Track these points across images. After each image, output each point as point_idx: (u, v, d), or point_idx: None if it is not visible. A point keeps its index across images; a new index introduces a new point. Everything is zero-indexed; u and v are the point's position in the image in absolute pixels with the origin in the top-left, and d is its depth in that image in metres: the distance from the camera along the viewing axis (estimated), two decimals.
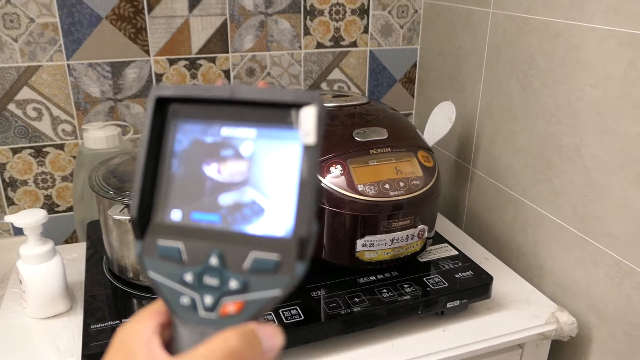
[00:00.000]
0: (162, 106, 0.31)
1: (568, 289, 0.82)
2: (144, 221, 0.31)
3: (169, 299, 0.29)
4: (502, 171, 0.94)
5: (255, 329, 0.28)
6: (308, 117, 0.28)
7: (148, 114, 0.30)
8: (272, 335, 0.29)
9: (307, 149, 0.28)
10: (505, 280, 0.86)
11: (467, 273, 0.78)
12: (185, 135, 0.31)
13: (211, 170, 0.30)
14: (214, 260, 0.29)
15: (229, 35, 1.02)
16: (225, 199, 0.30)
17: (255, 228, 0.29)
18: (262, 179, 0.29)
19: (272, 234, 0.29)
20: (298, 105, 0.29)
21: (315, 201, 0.28)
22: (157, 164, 0.31)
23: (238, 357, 0.27)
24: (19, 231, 1.02)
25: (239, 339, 0.27)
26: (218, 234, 0.30)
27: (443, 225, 1.03)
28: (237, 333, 0.28)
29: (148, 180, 0.30)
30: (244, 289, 0.29)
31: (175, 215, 0.30)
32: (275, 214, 0.29)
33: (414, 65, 1.17)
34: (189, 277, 0.29)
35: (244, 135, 0.30)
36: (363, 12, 1.09)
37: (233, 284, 0.29)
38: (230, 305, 0.29)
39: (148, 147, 0.30)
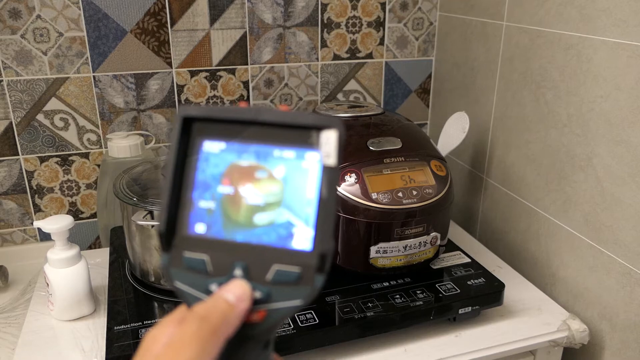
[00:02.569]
0: (188, 125, 0.33)
1: (580, 297, 0.83)
2: (170, 234, 0.32)
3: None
4: (516, 181, 0.96)
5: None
6: (329, 139, 0.30)
7: (175, 132, 0.32)
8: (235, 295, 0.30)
9: (327, 169, 0.30)
10: (517, 288, 0.87)
11: (479, 280, 0.80)
12: (208, 153, 0.32)
13: (227, 190, 0.32)
14: (238, 272, 0.31)
15: (248, 47, 1.05)
16: (248, 214, 0.31)
17: (276, 241, 0.31)
18: (282, 196, 0.31)
19: (293, 247, 0.31)
20: (318, 128, 0.30)
21: (334, 218, 0.30)
22: (182, 179, 0.33)
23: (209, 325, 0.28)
24: (44, 237, 1.05)
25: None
26: (241, 247, 0.31)
27: (457, 233, 1.05)
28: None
29: (175, 195, 0.32)
30: (266, 299, 0.30)
31: (200, 228, 0.32)
32: (296, 229, 0.31)
33: (429, 77, 1.19)
34: (214, 288, 0.31)
35: (265, 154, 0.32)
36: (379, 24, 1.11)
37: (257, 294, 0.30)
38: (253, 314, 0.30)
39: (175, 164, 0.32)
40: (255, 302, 0.30)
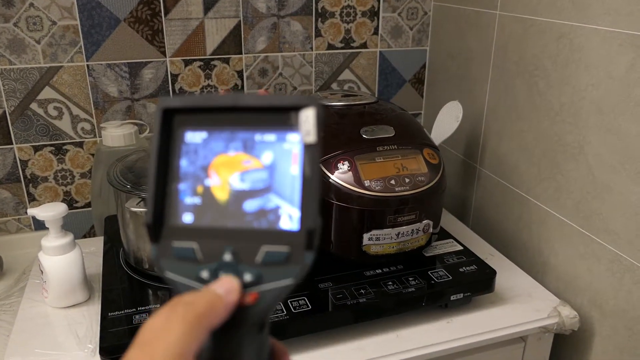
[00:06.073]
0: (169, 116, 0.33)
1: (571, 284, 0.84)
2: (158, 225, 0.33)
3: None
4: (508, 169, 0.96)
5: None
6: (308, 118, 0.31)
7: (156, 125, 0.32)
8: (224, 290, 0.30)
9: (308, 147, 0.31)
10: (509, 276, 0.87)
11: (471, 267, 0.80)
12: (191, 143, 0.33)
13: (214, 179, 0.32)
14: (227, 257, 0.31)
15: (242, 36, 1.05)
16: (234, 200, 0.32)
17: (264, 223, 0.31)
18: (267, 179, 0.31)
19: (280, 227, 0.31)
20: (297, 108, 0.31)
21: (319, 195, 0.31)
22: (167, 170, 0.33)
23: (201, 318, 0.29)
24: (39, 226, 1.05)
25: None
26: (228, 232, 0.31)
27: (450, 222, 1.05)
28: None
29: (160, 187, 0.32)
30: (258, 280, 0.31)
31: (187, 218, 0.32)
32: (283, 210, 0.31)
33: (423, 66, 1.19)
34: (205, 274, 0.31)
35: (247, 140, 0.32)
36: (373, 14, 1.12)
37: (247, 277, 0.31)
38: (246, 297, 0.31)
39: (158, 157, 0.32)
40: (247, 285, 0.31)
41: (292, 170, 0.31)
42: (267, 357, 0.33)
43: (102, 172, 0.94)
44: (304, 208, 0.31)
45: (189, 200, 0.32)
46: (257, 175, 0.31)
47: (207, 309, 0.29)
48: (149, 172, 0.32)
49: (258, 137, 0.32)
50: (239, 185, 0.32)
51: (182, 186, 0.33)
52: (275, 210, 0.31)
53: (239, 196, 0.32)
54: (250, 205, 0.31)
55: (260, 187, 0.31)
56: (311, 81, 1.12)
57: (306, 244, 0.30)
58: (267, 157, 0.32)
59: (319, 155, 0.31)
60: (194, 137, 0.33)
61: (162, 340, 0.27)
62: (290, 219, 0.31)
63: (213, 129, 0.32)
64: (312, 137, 0.30)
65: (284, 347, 0.34)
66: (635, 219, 0.71)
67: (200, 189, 0.32)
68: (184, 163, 0.33)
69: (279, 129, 0.31)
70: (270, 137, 0.32)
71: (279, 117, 0.31)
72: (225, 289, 0.30)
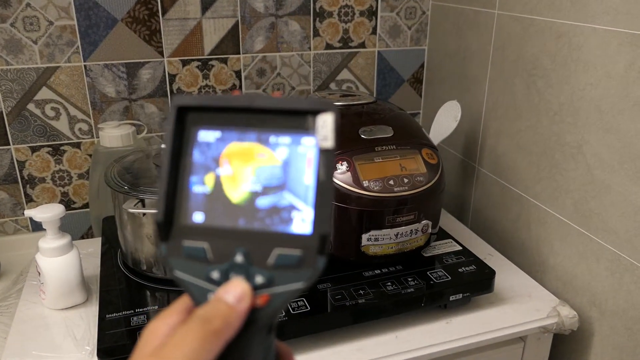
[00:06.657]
0: (183, 115, 0.33)
1: (570, 284, 0.84)
2: (168, 224, 0.32)
3: (196, 295, 0.31)
4: (507, 169, 0.96)
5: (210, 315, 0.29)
6: (326, 123, 0.30)
7: (170, 122, 0.32)
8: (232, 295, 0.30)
9: (323, 152, 0.30)
10: (508, 276, 0.87)
11: (470, 267, 0.80)
12: (204, 142, 0.32)
13: (225, 174, 0.32)
14: (239, 258, 0.31)
15: (240, 36, 1.05)
16: (246, 200, 0.32)
17: (277, 224, 0.31)
18: (278, 181, 0.31)
19: (293, 231, 0.31)
20: (314, 113, 0.31)
21: (332, 200, 0.31)
22: (179, 169, 0.32)
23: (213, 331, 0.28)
24: (36, 227, 1.05)
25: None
26: (240, 233, 0.31)
27: (449, 222, 1.05)
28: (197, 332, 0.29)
29: (172, 185, 0.32)
30: (269, 283, 0.30)
31: (198, 217, 0.32)
32: (296, 213, 0.31)
33: (422, 66, 1.19)
34: (215, 275, 0.31)
35: (261, 141, 0.32)
36: (371, 13, 1.11)
37: (259, 279, 0.30)
38: (256, 299, 0.30)
39: (171, 155, 0.32)
40: (258, 287, 0.31)
41: (306, 173, 0.31)
42: (274, 358, 0.32)
43: (99, 173, 0.93)
44: (318, 212, 0.30)
45: (201, 199, 0.32)
46: (271, 172, 0.31)
47: (223, 325, 0.29)
48: (161, 169, 0.32)
49: (272, 139, 0.31)
50: (252, 185, 0.31)
51: (194, 185, 0.32)
52: (289, 209, 0.31)
53: (249, 195, 0.31)
54: (263, 201, 0.31)
55: (274, 184, 0.31)
56: (309, 81, 1.12)
57: (319, 249, 0.30)
58: (279, 158, 0.31)
59: (334, 161, 0.31)
60: (207, 136, 0.32)
61: (175, 354, 0.27)
62: (303, 222, 0.31)
63: (226, 128, 0.32)
64: (329, 142, 0.30)
65: (289, 348, 0.34)
66: (635, 219, 0.71)
67: (212, 188, 0.32)
68: (196, 162, 0.32)
69: (293, 132, 0.31)
70: (284, 139, 0.31)
71: (295, 120, 0.31)
72: (237, 296, 0.30)
